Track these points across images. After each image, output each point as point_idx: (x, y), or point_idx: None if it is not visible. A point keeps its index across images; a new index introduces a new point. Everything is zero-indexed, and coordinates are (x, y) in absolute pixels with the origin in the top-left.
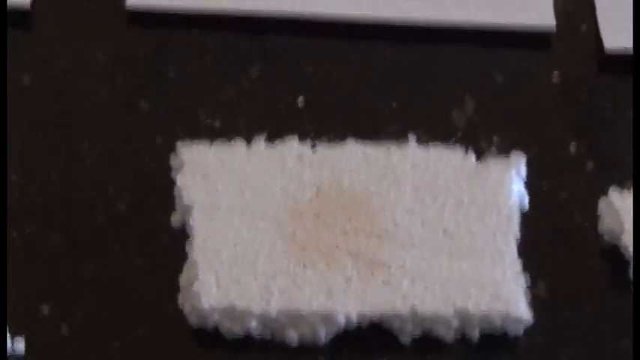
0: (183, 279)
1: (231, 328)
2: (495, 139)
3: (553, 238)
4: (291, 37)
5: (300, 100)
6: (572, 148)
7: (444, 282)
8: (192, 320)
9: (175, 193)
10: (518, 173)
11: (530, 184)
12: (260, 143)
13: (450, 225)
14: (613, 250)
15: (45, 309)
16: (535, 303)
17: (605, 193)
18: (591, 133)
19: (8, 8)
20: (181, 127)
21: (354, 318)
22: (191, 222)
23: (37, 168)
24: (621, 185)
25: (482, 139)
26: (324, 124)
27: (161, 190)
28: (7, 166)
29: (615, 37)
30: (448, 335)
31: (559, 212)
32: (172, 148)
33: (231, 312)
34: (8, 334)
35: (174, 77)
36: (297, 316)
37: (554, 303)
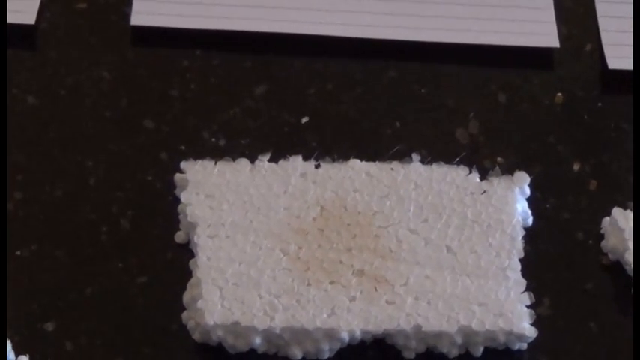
0: (187, 296)
1: (235, 344)
2: (499, 158)
3: (556, 256)
4: (295, 56)
5: (304, 119)
6: (576, 167)
7: (448, 300)
8: (196, 336)
9: (179, 211)
10: (521, 192)
11: (534, 203)
12: (264, 162)
13: (454, 244)
14: (616, 268)
15: (49, 326)
16: (539, 320)
17: (608, 211)
18: (594, 152)
19: (13, 26)
20: (186, 146)
21: (357, 334)
22: (195, 240)
23: (41, 186)
24: (624, 204)
25: (486, 158)
26: (328, 144)
27: (165, 209)
28: (6, 169)
29: (619, 57)
30: (452, 351)
31: (562, 231)
32: (177, 167)
33: (235, 328)
34: (13, 352)
35: (179, 96)
36: (300, 332)
37: (557, 320)
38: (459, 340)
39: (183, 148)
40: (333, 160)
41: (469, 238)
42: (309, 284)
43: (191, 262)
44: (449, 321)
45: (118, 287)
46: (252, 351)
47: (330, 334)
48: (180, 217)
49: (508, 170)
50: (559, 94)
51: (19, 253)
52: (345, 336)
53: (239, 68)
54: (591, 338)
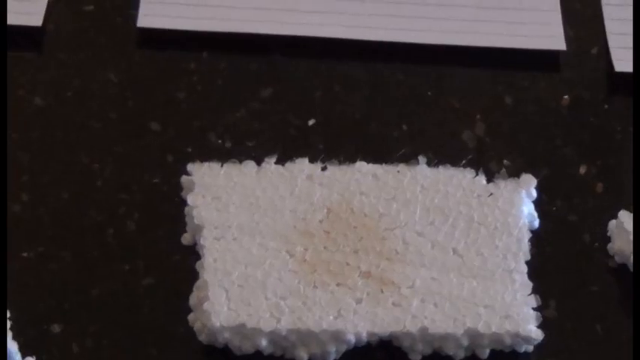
0: (193, 298)
1: (241, 346)
2: (505, 160)
3: (563, 258)
4: (302, 59)
5: (311, 121)
6: (582, 169)
7: (454, 302)
8: (203, 338)
9: (186, 213)
10: (528, 195)
11: (541, 206)
12: (270, 164)
13: (460, 246)
14: (622, 271)
15: (56, 328)
16: (545, 323)
17: (614, 214)
18: (601, 155)
19: (19, 27)
20: (192, 148)
21: (364, 337)
22: (202, 242)
23: (48, 188)
24: (631, 206)
25: (492, 160)
26: (335, 146)
27: (172, 210)
28: (6, 168)
29: (625, 60)
30: (458, 353)
31: (569, 233)
32: (183, 169)
33: (241, 330)
34: (20, 354)
35: (185, 98)
36: (307, 334)
37: (563, 322)
38: (465, 342)
39: (189, 150)
40: (340, 163)
41: (475, 241)
42: (315, 286)
43: (197, 264)
44: (455, 323)
45: (125, 289)
46: (259, 353)
47: (337, 337)
48: (187, 219)
49: (514, 172)
50: (565, 96)
51: (25, 254)
52: (352, 338)
53: (245, 70)
54: (597, 341)
